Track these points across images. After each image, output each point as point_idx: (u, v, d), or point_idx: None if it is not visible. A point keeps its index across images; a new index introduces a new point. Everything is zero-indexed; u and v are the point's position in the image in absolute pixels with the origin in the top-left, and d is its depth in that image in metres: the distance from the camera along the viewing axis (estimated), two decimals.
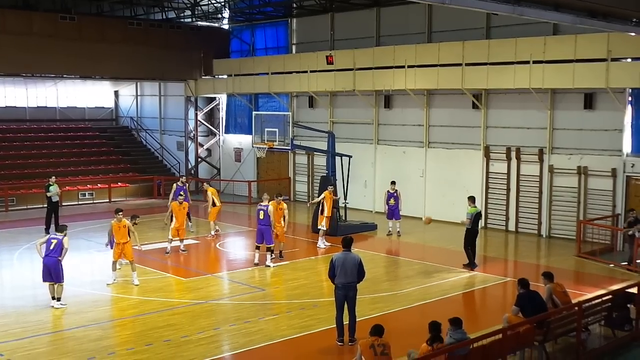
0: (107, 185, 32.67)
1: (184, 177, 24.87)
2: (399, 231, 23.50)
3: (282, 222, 19.79)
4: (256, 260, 19.30)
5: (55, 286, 15.26)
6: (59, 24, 29.91)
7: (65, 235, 15.39)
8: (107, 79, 37.17)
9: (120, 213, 17.45)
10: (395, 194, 23.52)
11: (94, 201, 31.74)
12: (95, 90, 40.54)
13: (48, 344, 13.05)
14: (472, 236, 18.92)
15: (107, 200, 31.94)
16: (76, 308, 15.33)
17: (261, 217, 19.06)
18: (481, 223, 24.97)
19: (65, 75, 33.79)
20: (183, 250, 20.93)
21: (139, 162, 37.30)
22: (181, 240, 20.94)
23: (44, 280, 15.32)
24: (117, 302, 16.19)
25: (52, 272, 15.15)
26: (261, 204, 19.53)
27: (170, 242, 20.81)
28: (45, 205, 24.34)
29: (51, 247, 15.23)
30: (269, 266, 19.00)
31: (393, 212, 23.44)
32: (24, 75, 32.47)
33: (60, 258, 15.18)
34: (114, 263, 17.43)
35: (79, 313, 15.08)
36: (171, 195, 22.96)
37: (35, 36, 29.16)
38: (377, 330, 10.19)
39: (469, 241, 18.90)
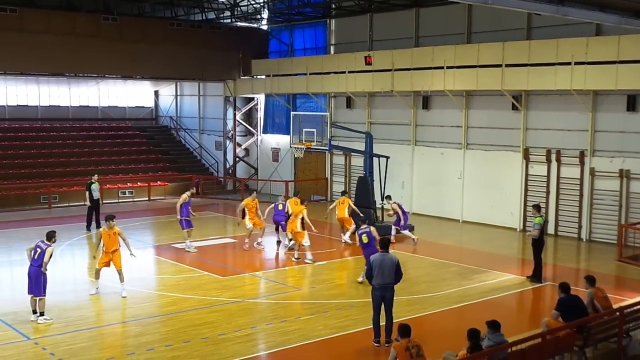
0: (146, 184, 33.10)
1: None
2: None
3: (299, 221, 19.73)
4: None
5: (37, 299, 14.11)
6: (102, 25, 30.48)
7: (51, 245, 14.31)
8: (147, 79, 37.69)
9: (113, 220, 16.59)
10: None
11: (134, 199, 32.18)
12: (135, 90, 41.11)
13: (89, 339, 13.27)
14: (540, 247, 17.85)
15: (147, 199, 32.36)
16: (116, 304, 15.60)
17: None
18: (520, 226, 24.83)
19: (106, 75, 34.37)
20: (257, 245, 21.43)
21: (178, 161, 37.71)
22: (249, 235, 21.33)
23: (28, 292, 14.17)
24: (156, 299, 16.40)
25: (33, 283, 14.03)
26: (277, 203, 21.30)
27: (250, 233, 21.20)
28: (87, 203, 24.74)
29: (35, 256, 14.18)
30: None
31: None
32: (67, 75, 33.07)
33: (42, 269, 14.08)
34: (98, 272, 16.40)
35: (118, 309, 15.36)
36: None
37: (78, 37, 29.73)
38: (407, 330, 10.10)
39: (537, 252, 17.81)
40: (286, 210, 20.83)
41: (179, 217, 20.83)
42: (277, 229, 22.00)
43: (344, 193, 23.57)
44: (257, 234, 21.55)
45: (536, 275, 17.81)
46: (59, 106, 37.97)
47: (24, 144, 34.11)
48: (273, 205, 22.17)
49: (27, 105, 36.79)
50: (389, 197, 23.06)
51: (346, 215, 22.16)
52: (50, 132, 36.18)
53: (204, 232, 23.24)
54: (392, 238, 21.01)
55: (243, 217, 21.22)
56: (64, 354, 12.27)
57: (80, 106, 38.84)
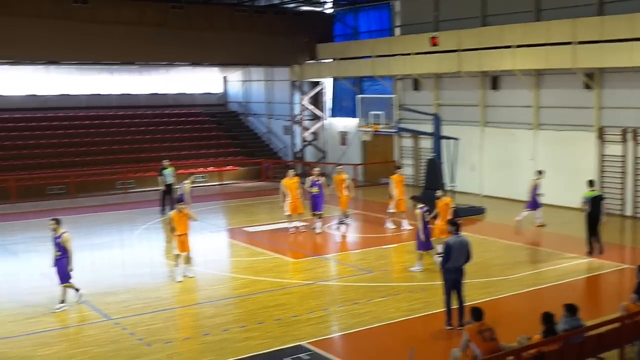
0: (217, 169, 33.70)
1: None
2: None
3: (346, 191, 21.82)
4: (318, 229, 21.28)
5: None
6: (170, 13, 31.00)
7: (62, 234, 14.33)
8: (215, 66, 38.22)
9: (182, 203, 17.21)
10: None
11: (206, 184, 32.83)
12: (205, 77, 41.77)
13: (166, 320, 13.70)
14: (591, 221, 17.94)
15: (219, 183, 32.98)
16: (191, 286, 16.04)
17: (315, 191, 21.32)
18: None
19: (175, 63, 35.02)
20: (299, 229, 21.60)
21: (247, 145, 38.21)
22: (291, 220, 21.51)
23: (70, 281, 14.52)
24: (230, 281, 16.78)
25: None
26: (314, 179, 21.47)
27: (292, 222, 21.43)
28: (161, 188, 25.40)
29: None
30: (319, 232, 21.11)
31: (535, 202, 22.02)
32: (137, 63, 33.86)
33: (62, 257, 14.28)
34: (179, 257, 16.54)
35: (193, 291, 15.81)
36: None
37: (147, 26, 30.35)
38: (480, 313, 10.04)
39: (590, 226, 17.97)
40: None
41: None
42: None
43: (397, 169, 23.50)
44: (296, 219, 21.57)
45: (591, 249, 18.06)
46: (131, 94, 38.89)
47: (99, 132, 35.16)
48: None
49: (101, 94, 37.87)
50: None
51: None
52: (124, 119, 37.18)
53: (274, 216, 23.53)
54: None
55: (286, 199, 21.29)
56: (143, 334, 12.72)
57: (152, 94, 39.69)
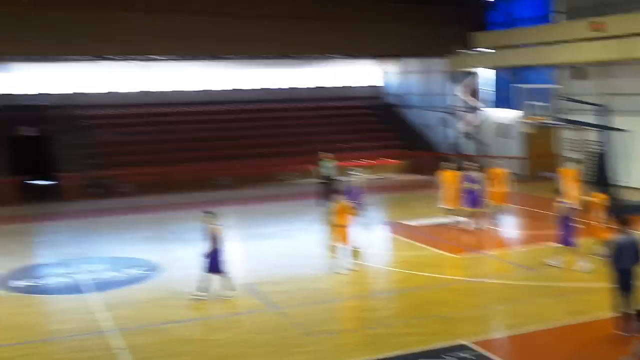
0: (375, 162, 33.94)
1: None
2: None
3: (503, 186, 21.05)
4: (477, 225, 20.82)
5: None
6: (325, 5, 31.40)
7: (212, 225, 14.75)
8: (369, 58, 38.42)
9: (341, 196, 17.41)
10: None
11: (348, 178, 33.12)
12: (362, 70, 42.15)
13: (327, 311, 14.03)
14: None
15: (376, 177, 33.23)
16: (351, 279, 16.28)
17: (472, 186, 20.80)
18: None
19: (331, 56, 35.53)
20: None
21: (405, 138, 38.16)
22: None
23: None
24: (389, 275, 16.93)
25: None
26: (471, 173, 21.05)
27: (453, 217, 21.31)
28: (321, 181, 26.01)
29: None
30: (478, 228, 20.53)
31: None
32: (293, 56, 34.65)
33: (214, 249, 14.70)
34: (337, 248, 16.79)
35: (354, 284, 16.04)
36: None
37: (303, 18, 30.96)
38: None
39: None
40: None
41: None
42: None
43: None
44: (455, 214, 21.26)
45: None
46: (294, 87, 40.06)
47: (264, 125, 36.46)
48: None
49: (266, 88, 39.34)
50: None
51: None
52: (290, 112, 38.29)
53: (432, 210, 23.23)
54: None
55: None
56: (306, 324, 13.05)
57: (312, 87, 40.59)
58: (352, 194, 20.49)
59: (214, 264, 14.65)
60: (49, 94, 34.96)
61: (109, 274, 17.21)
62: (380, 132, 38.54)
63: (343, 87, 41.70)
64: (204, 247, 14.82)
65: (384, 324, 13.08)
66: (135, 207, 27.07)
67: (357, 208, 19.30)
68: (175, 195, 28.83)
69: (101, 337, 12.64)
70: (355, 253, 17.02)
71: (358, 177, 22.50)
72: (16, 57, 31.20)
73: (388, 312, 13.90)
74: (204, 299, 14.57)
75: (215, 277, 14.74)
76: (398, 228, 21.93)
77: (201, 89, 37.97)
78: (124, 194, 29.57)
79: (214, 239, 14.66)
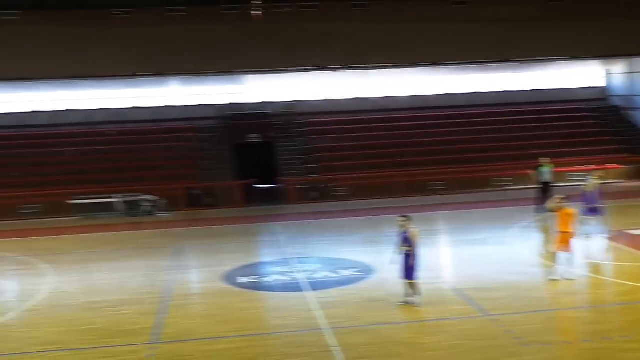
0: (597, 167, 31.94)
1: None
2: None
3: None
4: None
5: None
6: (548, 7, 30.13)
7: (410, 230, 14.41)
8: (596, 58, 36.30)
9: (564, 200, 16.30)
10: None
11: (583, 183, 31.41)
12: (583, 71, 39.93)
13: (544, 321, 13.46)
14: None
15: (600, 182, 31.21)
16: (569, 289, 15.51)
17: None
18: None
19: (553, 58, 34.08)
20: None
21: (630, 142, 35.56)
22: None
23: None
24: (611, 286, 15.85)
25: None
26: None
27: None
28: (538, 186, 25.09)
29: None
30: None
31: None
32: (513, 60, 33.51)
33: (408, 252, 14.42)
34: (557, 255, 16.10)
35: (573, 294, 15.30)
36: None
37: (524, 21, 29.98)
38: None
39: None
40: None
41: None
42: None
43: None
44: None
45: None
46: (508, 91, 39.04)
47: (476, 129, 35.92)
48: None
49: (480, 92, 38.77)
50: None
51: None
52: (501, 116, 37.45)
53: None
54: None
55: None
56: (521, 334, 12.60)
57: (529, 90, 39.25)
58: (588, 199, 19.64)
59: (408, 269, 14.51)
60: (273, 102, 37.11)
61: (323, 274, 17.88)
62: (603, 135, 36.20)
63: (565, 89, 39.75)
64: (396, 251, 14.73)
65: (605, 337, 12.28)
66: (350, 210, 27.96)
67: (592, 215, 18.65)
68: (389, 199, 29.30)
69: (317, 335, 13.12)
70: (571, 261, 16.15)
71: (593, 182, 21.23)
72: (247, 70, 33.50)
73: (610, 325, 13.02)
74: (414, 304, 14.58)
75: (407, 282, 14.64)
76: (621, 237, 20.48)
77: (414, 94, 38.21)
78: (340, 197, 30.59)
79: (411, 243, 14.49)
